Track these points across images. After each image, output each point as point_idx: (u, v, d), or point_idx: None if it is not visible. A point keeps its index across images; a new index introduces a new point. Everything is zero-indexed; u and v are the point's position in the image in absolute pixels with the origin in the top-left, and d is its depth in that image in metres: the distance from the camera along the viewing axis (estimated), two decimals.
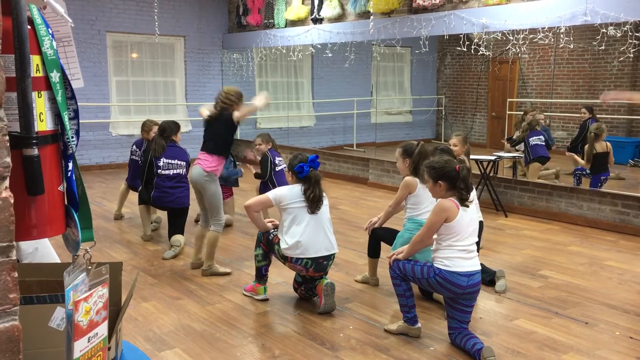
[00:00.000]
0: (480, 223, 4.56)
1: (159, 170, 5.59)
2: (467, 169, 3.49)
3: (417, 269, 3.49)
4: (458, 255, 3.38)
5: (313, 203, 4.02)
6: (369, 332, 3.73)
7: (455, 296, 3.43)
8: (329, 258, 4.11)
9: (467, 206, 3.42)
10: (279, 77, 12.07)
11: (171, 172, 5.56)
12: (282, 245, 4.02)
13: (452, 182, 3.40)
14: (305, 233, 3.98)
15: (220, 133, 4.80)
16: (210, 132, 4.86)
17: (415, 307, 3.66)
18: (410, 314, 3.63)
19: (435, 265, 3.43)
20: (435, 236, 3.50)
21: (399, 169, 4.55)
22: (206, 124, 4.95)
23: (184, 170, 5.60)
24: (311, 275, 4.12)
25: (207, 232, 4.88)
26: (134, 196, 6.46)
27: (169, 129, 5.67)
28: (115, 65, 10.72)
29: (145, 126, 6.39)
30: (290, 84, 11.89)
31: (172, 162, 5.58)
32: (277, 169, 6.20)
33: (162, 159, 5.57)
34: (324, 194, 4.14)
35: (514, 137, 8.49)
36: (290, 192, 4.07)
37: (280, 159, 6.30)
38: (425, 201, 4.14)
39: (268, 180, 6.27)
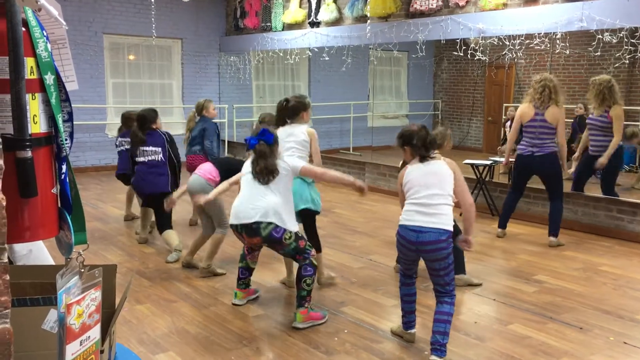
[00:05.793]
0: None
1: (135, 158, 5.51)
2: (426, 130, 3.47)
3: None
4: (413, 208, 3.35)
5: (260, 175, 3.84)
6: (364, 336, 3.73)
7: (411, 253, 3.40)
8: (259, 224, 3.75)
9: (427, 161, 3.42)
10: (276, 80, 12.07)
11: (146, 159, 5.42)
12: None
13: (411, 142, 3.43)
14: (239, 199, 3.91)
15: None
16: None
17: (413, 314, 3.65)
18: (405, 319, 3.64)
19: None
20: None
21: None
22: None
23: (160, 155, 5.41)
24: (250, 243, 3.98)
25: (212, 235, 4.93)
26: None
27: (150, 118, 5.51)
28: (112, 67, 10.70)
29: (124, 117, 6.53)
30: (287, 87, 11.87)
31: (147, 149, 5.43)
32: None
33: (139, 147, 5.49)
34: (284, 166, 3.86)
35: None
36: (245, 165, 4.04)
37: None
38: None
39: None
